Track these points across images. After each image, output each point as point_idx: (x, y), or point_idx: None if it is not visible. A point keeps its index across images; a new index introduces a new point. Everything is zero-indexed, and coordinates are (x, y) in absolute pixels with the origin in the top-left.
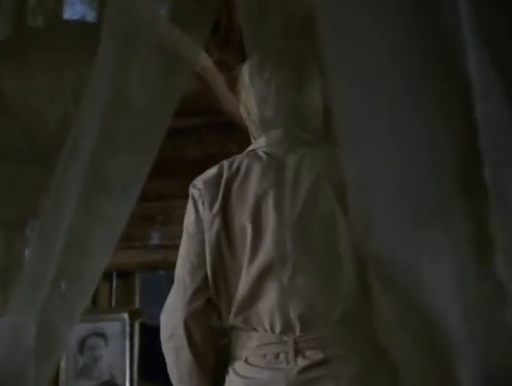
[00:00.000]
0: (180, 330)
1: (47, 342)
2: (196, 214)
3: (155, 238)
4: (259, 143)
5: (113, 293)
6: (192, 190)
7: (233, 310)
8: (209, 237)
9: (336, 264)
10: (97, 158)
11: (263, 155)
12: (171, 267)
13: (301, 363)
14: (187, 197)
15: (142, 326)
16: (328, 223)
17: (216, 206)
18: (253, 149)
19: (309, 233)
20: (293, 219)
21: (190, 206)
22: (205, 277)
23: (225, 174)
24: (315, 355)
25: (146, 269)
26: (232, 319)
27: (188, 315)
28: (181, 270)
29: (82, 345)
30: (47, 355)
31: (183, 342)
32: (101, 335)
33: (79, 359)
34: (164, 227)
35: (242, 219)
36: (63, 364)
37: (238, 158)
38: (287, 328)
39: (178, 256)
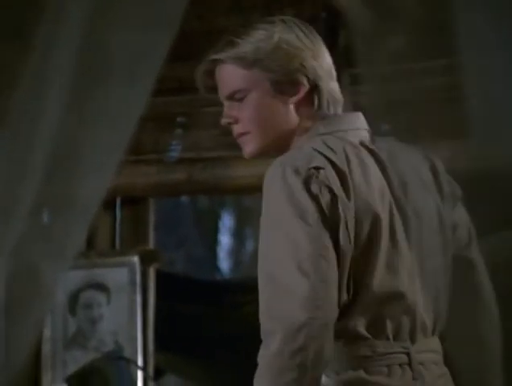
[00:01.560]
0: (316, 345)
1: (22, 292)
2: (320, 206)
3: (175, 148)
4: (342, 125)
5: (117, 229)
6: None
7: (357, 314)
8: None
9: (442, 273)
10: (97, 32)
11: (358, 145)
12: (198, 190)
13: (428, 377)
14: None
15: (158, 274)
16: (433, 228)
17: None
18: (339, 131)
19: (423, 239)
20: (412, 221)
21: (304, 195)
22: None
23: (338, 163)
24: (436, 369)
25: (162, 194)
26: (352, 324)
27: (325, 325)
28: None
29: (74, 302)
30: (23, 312)
31: (318, 358)
32: (101, 287)
33: (69, 321)
34: (188, 132)
35: (373, 219)
36: (47, 330)
37: (334, 143)
38: (409, 337)
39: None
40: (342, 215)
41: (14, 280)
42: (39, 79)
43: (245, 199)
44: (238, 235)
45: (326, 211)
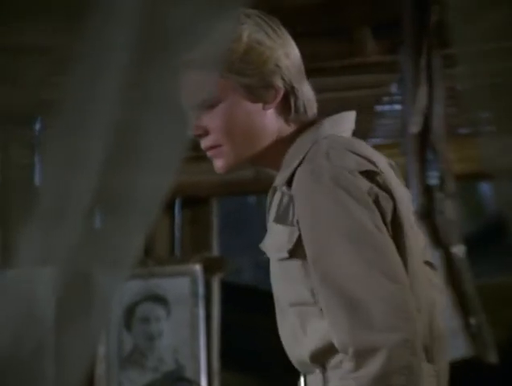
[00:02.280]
0: (418, 362)
1: (73, 305)
2: (383, 211)
3: None
4: (344, 125)
5: (177, 233)
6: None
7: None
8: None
9: None
10: (158, 11)
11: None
12: (266, 188)
13: None
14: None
15: (223, 284)
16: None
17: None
18: (343, 131)
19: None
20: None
21: (369, 200)
22: None
23: (380, 165)
24: None
25: (227, 193)
26: None
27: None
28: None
29: (130, 316)
30: (75, 328)
31: (421, 375)
32: (159, 300)
33: (125, 337)
34: None
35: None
36: (101, 347)
37: (358, 143)
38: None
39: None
40: (401, 220)
41: (65, 291)
42: (95, 65)
43: None
44: None
45: (387, 216)
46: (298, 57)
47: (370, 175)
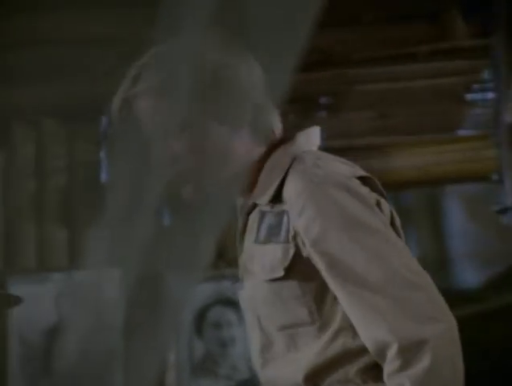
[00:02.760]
0: (460, 352)
1: (143, 310)
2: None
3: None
4: (315, 141)
5: None
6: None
7: None
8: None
9: None
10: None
11: None
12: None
13: None
14: None
15: None
16: None
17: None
18: (314, 146)
19: None
20: None
21: (373, 203)
22: None
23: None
24: None
25: None
26: None
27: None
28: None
29: (201, 321)
30: (145, 334)
31: (462, 368)
32: (232, 303)
33: (196, 344)
34: (335, 115)
35: None
36: (172, 354)
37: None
38: None
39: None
40: (397, 226)
41: (134, 294)
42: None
43: (406, 196)
44: None
45: (388, 220)
46: (260, 72)
47: (365, 181)
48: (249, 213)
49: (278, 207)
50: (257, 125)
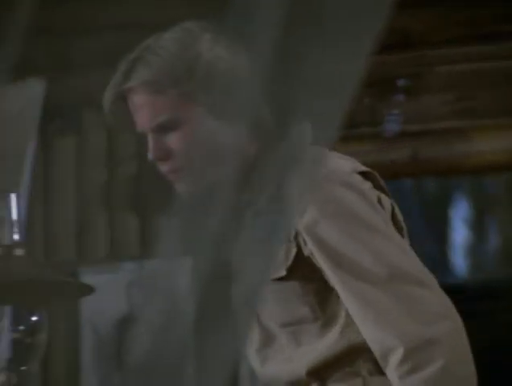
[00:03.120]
0: (469, 350)
1: (217, 303)
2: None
3: (396, 119)
4: (308, 138)
5: None
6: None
7: None
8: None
9: None
10: None
11: None
12: (425, 171)
13: None
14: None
15: None
16: None
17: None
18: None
19: None
20: None
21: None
22: None
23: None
24: None
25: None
26: None
27: None
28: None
29: None
30: (218, 330)
31: (473, 366)
32: None
33: None
34: (413, 98)
35: None
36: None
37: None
38: None
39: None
40: (399, 221)
41: (207, 285)
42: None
43: (487, 182)
44: (477, 227)
45: (389, 217)
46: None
47: (366, 176)
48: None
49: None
50: (254, 120)
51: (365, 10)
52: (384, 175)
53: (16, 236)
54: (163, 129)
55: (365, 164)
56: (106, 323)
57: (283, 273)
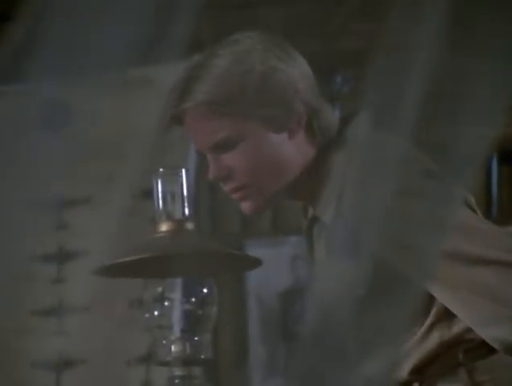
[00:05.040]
0: None
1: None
2: None
3: None
4: None
5: (494, 194)
6: None
7: None
8: None
9: None
10: None
11: None
12: None
13: None
14: None
15: None
16: None
17: None
18: None
19: None
20: None
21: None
22: None
23: None
24: None
25: None
26: None
27: None
28: None
29: None
30: (381, 305)
31: None
32: None
33: None
34: None
35: None
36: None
37: None
38: None
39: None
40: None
41: (371, 263)
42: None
43: None
44: None
45: None
46: (311, 75)
47: None
48: (314, 224)
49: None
50: (313, 130)
51: None
52: None
53: (186, 211)
54: (221, 147)
55: None
56: (271, 296)
57: None
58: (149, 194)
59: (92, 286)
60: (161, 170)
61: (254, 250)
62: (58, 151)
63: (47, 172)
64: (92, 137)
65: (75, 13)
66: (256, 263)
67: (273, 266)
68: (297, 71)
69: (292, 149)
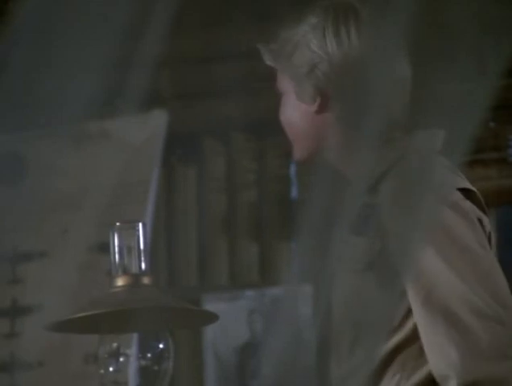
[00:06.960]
0: None
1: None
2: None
3: None
4: (433, 144)
5: None
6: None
7: None
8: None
9: None
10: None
11: None
12: None
13: None
14: None
15: None
16: None
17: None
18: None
19: None
20: None
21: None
22: None
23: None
24: None
25: (505, 202)
26: None
27: None
28: None
29: None
30: (345, 352)
31: None
32: None
33: None
34: None
35: None
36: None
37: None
38: None
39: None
40: (492, 242)
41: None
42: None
43: None
44: None
45: (487, 237)
46: (364, 58)
47: (468, 194)
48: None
49: (374, 200)
50: (348, 111)
51: (494, 32)
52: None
53: (143, 265)
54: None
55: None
56: (228, 350)
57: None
58: (105, 247)
59: (46, 341)
60: (118, 223)
61: (211, 304)
62: (13, 204)
63: (1, 225)
64: (48, 190)
65: (31, 66)
66: (213, 318)
67: (230, 320)
68: (349, 53)
69: (317, 123)
